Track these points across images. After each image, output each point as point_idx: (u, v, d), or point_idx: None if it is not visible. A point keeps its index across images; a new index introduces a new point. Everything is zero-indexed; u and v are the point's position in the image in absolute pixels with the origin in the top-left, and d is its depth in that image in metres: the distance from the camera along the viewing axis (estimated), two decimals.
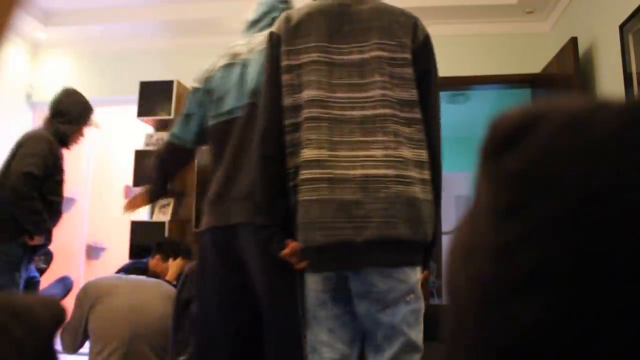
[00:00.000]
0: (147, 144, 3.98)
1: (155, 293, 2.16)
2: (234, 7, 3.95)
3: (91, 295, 2.07)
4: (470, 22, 3.94)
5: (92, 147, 4.70)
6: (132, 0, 3.97)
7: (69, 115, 2.85)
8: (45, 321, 0.48)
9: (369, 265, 1.33)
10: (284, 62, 1.42)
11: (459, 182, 7.21)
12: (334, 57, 1.41)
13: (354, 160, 1.33)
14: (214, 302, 1.62)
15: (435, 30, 4.31)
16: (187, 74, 4.09)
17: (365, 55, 1.41)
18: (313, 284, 1.37)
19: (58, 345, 2.36)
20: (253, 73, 1.64)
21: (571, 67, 3.11)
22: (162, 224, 3.74)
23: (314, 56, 1.40)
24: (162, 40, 4.25)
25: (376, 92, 1.38)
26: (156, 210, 3.92)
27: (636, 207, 0.23)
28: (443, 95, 6.08)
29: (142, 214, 4.14)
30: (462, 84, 3.99)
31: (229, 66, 1.70)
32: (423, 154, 1.42)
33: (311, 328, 1.41)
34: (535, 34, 3.89)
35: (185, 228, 3.89)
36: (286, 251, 1.37)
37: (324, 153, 1.33)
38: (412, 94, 1.44)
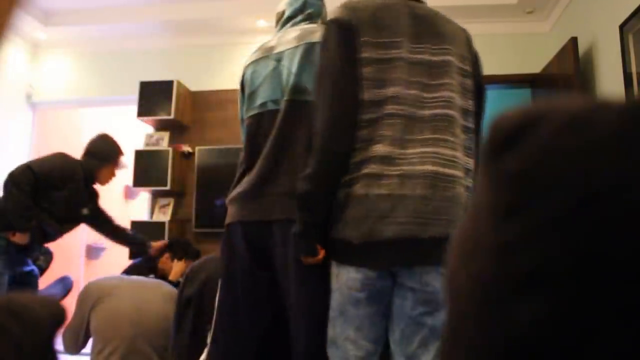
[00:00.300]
0: (147, 144, 3.98)
1: (156, 293, 2.16)
2: (234, 7, 3.95)
3: (93, 296, 2.08)
4: (470, 22, 3.92)
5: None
6: (132, 0, 3.97)
7: (96, 155, 3.01)
8: (44, 321, 0.48)
9: (432, 264, 1.32)
10: (366, 54, 1.36)
11: None
12: (411, 55, 1.40)
13: (423, 156, 1.34)
14: (241, 295, 1.58)
15: None
16: (187, 74, 4.11)
17: (436, 58, 1.43)
18: (350, 281, 1.34)
19: (59, 345, 2.36)
20: (290, 68, 1.61)
21: (571, 67, 3.11)
22: (162, 224, 3.74)
23: (401, 53, 1.38)
24: (162, 40, 4.25)
25: (445, 93, 1.41)
26: (156, 210, 3.92)
27: (636, 207, 0.23)
28: None
29: (142, 214, 4.14)
30: None
31: (260, 60, 1.70)
32: (471, 163, 1.44)
33: (335, 323, 1.39)
34: (535, 34, 3.89)
35: (185, 228, 3.90)
36: (319, 257, 1.40)
37: (395, 150, 1.33)
38: (469, 104, 1.48)
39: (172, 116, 3.79)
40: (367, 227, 1.31)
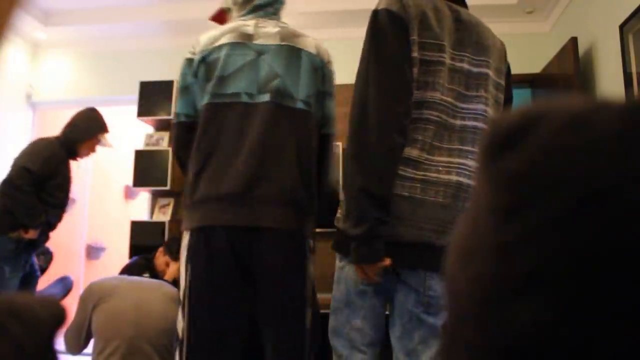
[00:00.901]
0: (147, 144, 3.98)
1: (157, 293, 2.16)
2: None
3: (95, 296, 2.08)
4: None
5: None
6: (132, 0, 3.97)
7: (79, 126, 3.03)
8: (45, 321, 0.48)
9: (438, 270, 1.33)
10: (414, 54, 1.32)
11: None
12: (451, 62, 1.38)
13: (449, 165, 1.34)
14: (224, 305, 1.48)
15: None
16: None
17: (474, 69, 1.41)
18: (356, 274, 1.35)
19: (60, 345, 2.37)
20: (273, 67, 1.57)
21: (571, 67, 3.11)
22: (162, 223, 3.74)
23: (443, 57, 1.35)
24: (162, 40, 4.25)
25: (479, 106, 1.40)
26: (156, 210, 3.92)
27: (636, 206, 0.23)
28: None
29: (142, 214, 4.14)
30: None
31: (238, 46, 1.59)
32: None
33: (340, 313, 1.41)
34: (535, 34, 3.89)
35: None
36: (386, 263, 1.31)
37: (422, 155, 1.32)
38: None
39: (172, 116, 3.78)
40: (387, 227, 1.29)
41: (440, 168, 1.33)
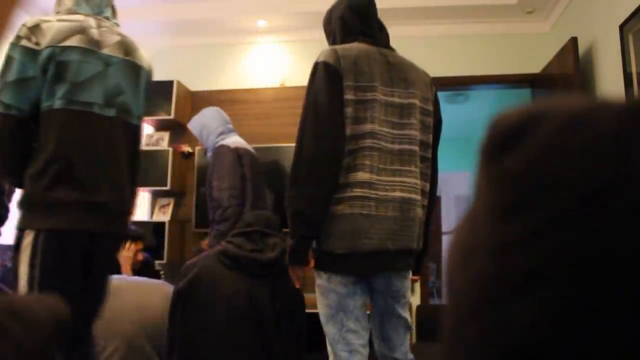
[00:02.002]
0: (147, 144, 3.98)
1: (157, 293, 2.16)
2: (234, 7, 3.95)
3: None
4: (470, 22, 3.94)
5: None
6: (132, 0, 3.97)
7: None
8: (44, 320, 0.48)
9: (399, 270, 1.71)
10: (348, 96, 1.62)
11: (459, 182, 7.21)
12: (384, 97, 1.67)
13: (393, 184, 1.64)
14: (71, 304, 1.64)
15: (436, 31, 4.33)
16: (187, 74, 4.11)
17: (404, 101, 1.71)
18: (344, 279, 1.63)
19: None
20: (120, 83, 1.69)
21: (571, 67, 3.11)
22: (162, 224, 3.74)
23: (376, 95, 1.65)
24: (162, 40, 4.25)
25: (411, 132, 1.71)
26: (156, 210, 3.92)
27: (636, 206, 0.23)
28: (443, 95, 6.08)
29: (142, 214, 4.14)
30: (462, 84, 4.00)
31: (89, 53, 1.63)
32: (427, 186, 1.78)
33: (334, 320, 1.64)
34: (535, 34, 3.89)
35: (185, 228, 3.90)
36: (311, 266, 1.65)
37: (373, 176, 1.61)
38: (429, 138, 1.80)
39: (172, 116, 3.79)
40: (349, 240, 1.58)
41: (387, 187, 1.63)
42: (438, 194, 1.94)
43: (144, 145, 3.91)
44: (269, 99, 4.01)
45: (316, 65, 1.67)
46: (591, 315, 0.23)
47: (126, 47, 1.73)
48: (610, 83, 2.92)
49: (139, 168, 1.82)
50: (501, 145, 0.28)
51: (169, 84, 3.84)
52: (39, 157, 1.55)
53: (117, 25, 1.78)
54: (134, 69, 1.73)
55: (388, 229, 1.61)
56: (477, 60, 3.90)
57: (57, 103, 1.56)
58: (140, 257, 2.88)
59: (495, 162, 0.28)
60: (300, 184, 1.60)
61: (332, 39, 1.87)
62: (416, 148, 1.72)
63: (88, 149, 1.59)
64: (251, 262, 1.94)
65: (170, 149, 3.83)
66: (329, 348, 1.67)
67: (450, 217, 7.46)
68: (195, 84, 4.10)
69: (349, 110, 1.61)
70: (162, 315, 2.09)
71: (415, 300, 3.56)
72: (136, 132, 1.77)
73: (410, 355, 1.79)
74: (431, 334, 3.32)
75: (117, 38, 1.71)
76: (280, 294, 1.96)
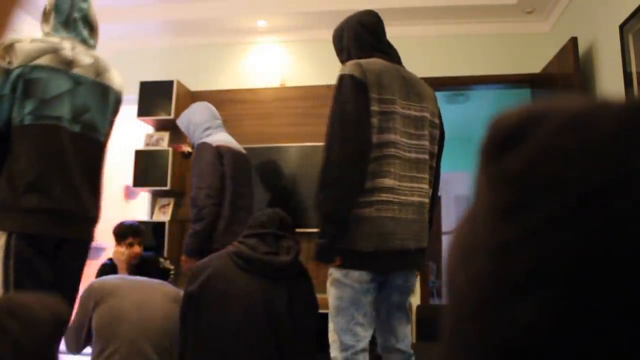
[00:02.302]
0: (147, 144, 3.98)
1: (158, 293, 2.16)
2: (234, 7, 3.95)
3: (95, 295, 2.07)
4: (470, 22, 3.94)
5: None
6: (132, 0, 3.97)
7: None
8: (44, 320, 0.48)
9: (415, 268, 1.93)
10: (374, 107, 1.77)
11: (459, 182, 7.22)
12: (402, 110, 1.83)
13: (412, 189, 1.82)
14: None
15: (436, 31, 4.32)
16: (187, 74, 4.11)
17: (418, 114, 1.89)
18: (360, 277, 1.76)
19: (61, 344, 2.35)
20: (87, 101, 1.83)
21: (571, 67, 3.11)
22: (162, 223, 3.74)
23: (396, 108, 1.81)
24: (162, 40, 4.25)
25: (424, 142, 1.90)
26: (156, 210, 3.92)
27: (635, 206, 0.23)
28: (443, 95, 6.07)
29: (142, 214, 4.14)
30: (462, 84, 4.00)
31: (59, 72, 1.76)
32: (430, 192, 1.97)
33: (344, 313, 1.77)
34: (535, 34, 3.89)
35: (185, 228, 3.90)
36: (337, 263, 1.78)
37: (396, 182, 1.78)
38: (435, 148, 1.98)
39: (172, 116, 3.79)
40: (378, 241, 1.74)
41: (407, 192, 1.80)
42: (438, 193, 2.11)
43: (144, 145, 3.92)
44: (269, 99, 4.01)
45: (342, 77, 1.79)
46: (591, 315, 0.23)
47: (97, 69, 1.87)
48: (610, 83, 2.92)
49: (101, 181, 1.97)
50: (501, 145, 0.28)
51: (169, 84, 3.84)
52: (11, 167, 1.68)
53: (93, 46, 1.94)
54: (103, 90, 1.88)
55: (410, 231, 1.80)
56: (477, 60, 3.90)
57: (27, 119, 1.68)
58: (137, 249, 2.90)
59: (495, 162, 0.28)
60: (330, 187, 1.73)
61: (346, 54, 1.98)
62: (427, 157, 1.91)
63: (55, 160, 1.72)
64: (266, 264, 1.92)
65: (170, 149, 3.83)
66: (333, 336, 1.79)
67: (450, 217, 7.47)
68: (195, 84, 4.10)
69: (374, 121, 1.76)
70: (163, 315, 2.08)
71: (415, 300, 3.56)
72: (101, 148, 1.92)
73: (411, 350, 1.96)
74: (431, 334, 3.32)
75: (90, 60, 1.85)
76: (296, 297, 1.95)
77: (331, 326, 1.81)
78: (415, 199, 1.82)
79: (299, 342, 1.93)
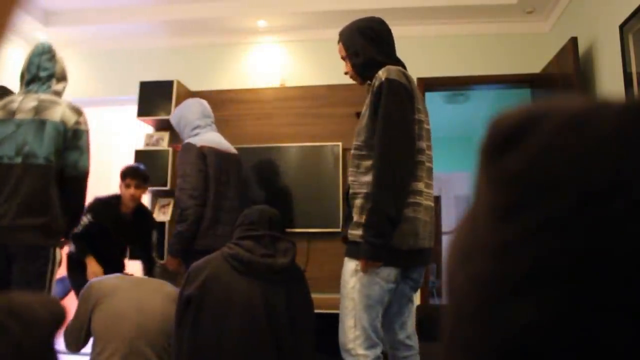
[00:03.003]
0: (147, 144, 3.98)
1: (158, 294, 2.16)
2: (234, 7, 3.95)
3: (94, 295, 2.07)
4: (470, 22, 3.94)
5: (92, 147, 4.70)
6: (132, 0, 3.97)
7: None
8: (44, 320, 0.48)
9: (427, 265, 2.08)
10: (415, 115, 1.91)
11: (459, 182, 7.21)
12: (422, 120, 1.96)
13: (427, 194, 1.96)
14: None
15: (435, 31, 4.32)
16: (187, 74, 4.11)
17: (427, 126, 2.02)
18: (388, 275, 1.86)
19: (60, 344, 2.35)
20: (26, 137, 2.25)
21: (571, 67, 3.11)
22: (162, 224, 3.74)
23: (423, 117, 1.96)
24: (162, 40, 4.25)
25: (431, 153, 2.03)
26: (156, 210, 3.92)
27: (635, 206, 0.23)
28: (443, 95, 6.04)
29: None
30: (462, 84, 4.00)
31: (5, 122, 2.27)
32: None
33: (374, 310, 1.84)
34: (535, 34, 3.89)
35: None
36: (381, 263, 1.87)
37: (424, 188, 1.93)
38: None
39: (170, 116, 3.79)
40: (412, 240, 1.86)
41: (426, 196, 1.94)
42: (438, 193, 2.42)
43: (144, 145, 3.92)
44: (269, 99, 4.01)
45: (392, 82, 1.87)
46: (591, 315, 0.23)
47: (38, 109, 2.32)
48: (610, 83, 2.92)
49: (51, 194, 2.31)
50: (501, 145, 0.28)
51: (169, 84, 3.84)
52: None
53: (59, 92, 2.45)
54: (40, 124, 2.29)
55: (429, 230, 1.95)
56: (477, 60, 3.90)
57: None
58: (133, 191, 3.20)
59: (495, 162, 0.28)
60: (390, 189, 1.82)
61: (362, 58, 2.03)
62: (432, 165, 2.05)
63: (3, 187, 2.21)
64: (264, 267, 1.92)
65: (170, 149, 3.83)
66: (357, 331, 1.82)
67: (450, 217, 7.46)
68: (195, 84, 4.10)
69: (415, 128, 1.91)
70: (162, 316, 2.08)
71: (415, 300, 3.56)
72: (43, 167, 2.29)
73: (418, 347, 2.09)
74: (431, 334, 3.32)
75: (33, 104, 2.32)
76: (294, 299, 1.95)
77: (350, 322, 1.83)
78: (429, 203, 1.97)
79: (297, 344, 1.93)
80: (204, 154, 2.79)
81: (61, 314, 0.51)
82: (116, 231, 3.23)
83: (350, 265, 1.88)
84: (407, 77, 1.91)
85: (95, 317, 2.03)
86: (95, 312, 2.04)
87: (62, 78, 2.50)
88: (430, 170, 2.01)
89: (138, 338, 1.99)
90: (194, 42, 4.23)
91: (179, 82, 3.90)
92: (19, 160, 2.23)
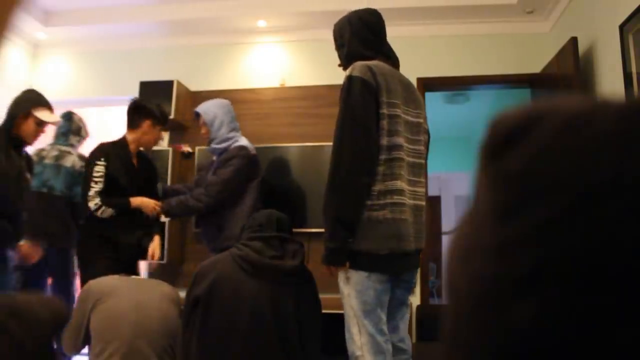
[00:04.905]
0: None
1: (156, 294, 2.15)
2: (234, 7, 3.95)
3: (93, 295, 2.07)
4: (470, 22, 3.94)
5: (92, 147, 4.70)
6: (132, 0, 3.96)
7: (11, 105, 2.67)
8: (45, 320, 0.48)
9: (417, 267, 2.01)
10: (384, 110, 1.80)
11: (459, 182, 7.21)
12: (403, 115, 1.87)
13: (410, 192, 1.86)
14: None
15: (436, 31, 4.32)
16: (187, 74, 4.11)
17: (415, 119, 1.94)
18: (381, 277, 1.79)
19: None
20: (49, 176, 3.13)
21: (571, 67, 3.11)
22: (162, 224, 3.73)
23: (400, 112, 1.85)
24: (162, 40, 4.25)
25: (420, 147, 1.95)
26: None
27: (635, 206, 0.23)
28: (443, 95, 6.03)
29: None
30: (462, 84, 3.99)
31: (39, 163, 3.07)
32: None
33: (376, 315, 1.78)
34: (535, 34, 3.89)
35: (185, 228, 3.90)
36: (346, 267, 1.81)
37: (405, 185, 1.82)
38: (426, 152, 2.05)
39: (172, 116, 3.79)
40: (394, 243, 1.77)
41: (409, 194, 1.85)
42: (438, 193, 2.45)
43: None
44: (269, 99, 4.01)
45: (351, 79, 1.80)
46: (591, 315, 0.23)
47: (57, 157, 3.21)
48: (610, 83, 2.92)
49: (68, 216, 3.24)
50: (501, 145, 0.28)
51: (169, 84, 3.84)
52: None
53: (74, 145, 3.36)
54: (57, 167, 3.18)
55: (417, 231, 1.87)
56: (477, 60, 3.90)
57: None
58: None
59: (496, 162, 0.28)
60: (341, 190, 1.75)
61: (346, 50, 1.97)
62: (423, 162, 1.97)
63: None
64: (273, 269, 1.91)
65: (170, 149, 3.83)
66: (363, 338, 1.76)
67: (450, 217, 7.46)
68: (195, 84, 4.10)
69: (384, 123, 1.79)
70: (161, 315, 2.08)
71: (415, 300, 3.56)
72: (60, 198, 3.16)
73: (411, 350, 2.04)
74: (431, 334, 3.32)
75: (55, 153, 3.23)
76: (302, 301, 1.95)
77: (355, 329, 1.78)
78: (411, 202, 1.86)
79: (305, 345, 1.92)
80: (255, 163, 2.97)
81: (62, 314, 0.51)
82: (129, 180, 2.84)
83: (341, 274, 1.83)
84: (374, 72, 1.80)
85: (94, 317, 2.03)
86: (94, 312, 2.03)
87: (77, 133, 3.37)
88: (417, 165, 1.91)
89: (138, 338, 1.98)
90: (194, 42, 4.23)
91: (179, 82, 3.90)
92: (44, 189, 3.13)
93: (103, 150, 2.82)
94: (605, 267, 0.23)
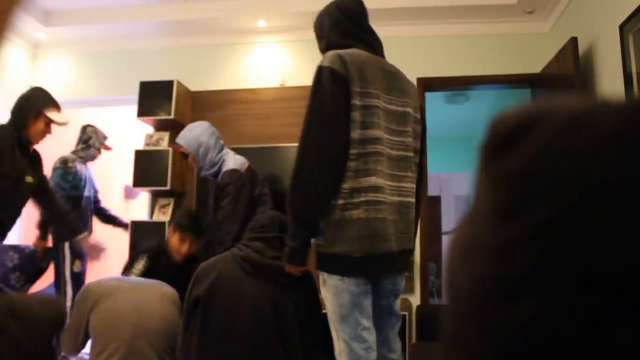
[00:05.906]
0: (147, 144, 3.98)
1: (156, 294, 2.15)
2: (234, 7, 3.95)
3: (92, 296, 2.07)
4: (470, 22, 3.94)
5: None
6: (132, 0, 3.96)
7: (20, 107, 2.62)
8: (45, 321, 0.48)
9: (402, 270, 1.81)
10: (355, 101, 1.65)
11: (459, 182, 7.21)
12: (385, 105, 1.73)
13: (392, 188, 1.70)
14: None
15: (435, 31, 4.31)
16: (187, 74, 4.11)
17: (401, 109, 1.78)
18: (358, 279, 1.65)
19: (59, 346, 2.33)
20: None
21: (571, 67, 3.11)
22: (162, 224, 3.74)
23: (379, 102, 1.70)
24: (162, 40, 4.25)
25: (407, 139, 1.79)
26: (156, 210, 3.92)
27: (635, 206, 0.23)
28: (443, 95, 6.02)
29: (142, 214, 4.14)
30: (462, 84, 3.99)
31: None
32: (415, 189, 1.86)
33: (352, 319, 1.64)
34: (535, 34, 3.89)
35: None
36: (307, 267, 1.73)
37: (385, 182, 1.67)
38: (418, 145, 1.87)
39: (172, 116, 3.79)
40: (369, 244, 1.63)
41: (391, 191, 1.69)
42: (438, 193, 2.27)
43: (144, 146, 3.92)
44: (269, 99, 4.01)
45: (320, 70, 1.67)
46: (591, 314, 0.23)
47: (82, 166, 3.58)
48: (610, 83, 2.92)
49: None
50: (501, 145, 0.28)
51: (169, 84, 3.84)
52: None
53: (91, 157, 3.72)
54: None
55: (394, 232, 1.69)
56: (477, 60, 3.89)
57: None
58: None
59: (496, 162, 0.28)
60: (303, 187, 1.63)
61: (325, 41, 1.86)
62: (411, 154, 1.81)
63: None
64: (274, 269, 1.90)
65: (170, 149, 3.83)
66: (341, 345, 1.65)
67: (450, 217, 7.46)
68: (195, 84, 4.10)
69: (356, 115, 1.64)
70: (161, 315, 2.08)
71: (415, 300, 3.56)
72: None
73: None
74: (431, 334, 3.32)
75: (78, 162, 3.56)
76: (302, 301, 1.95)
77: (335, 335, 1.69)
78: (396, 198, 1.71)
79: (305, 345, 1.92)
80: (250, 177, 2.94)
81: (61, 314, 0.51)
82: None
83: (320, 277, 1.73)
84: (345, 61, 1.66)
85: (93, 318, 2.03)
86: (93, 313, 2.03)
87: (84, 142, 3.68)
88: (403, 159, 1.76)
89: (138, 338, 1.98)
90: (194, 42, 4.23)
91: (179, 82, 3.90)
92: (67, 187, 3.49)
93: (151, 254, 2.79)
94: (605, 267, 0.23)
